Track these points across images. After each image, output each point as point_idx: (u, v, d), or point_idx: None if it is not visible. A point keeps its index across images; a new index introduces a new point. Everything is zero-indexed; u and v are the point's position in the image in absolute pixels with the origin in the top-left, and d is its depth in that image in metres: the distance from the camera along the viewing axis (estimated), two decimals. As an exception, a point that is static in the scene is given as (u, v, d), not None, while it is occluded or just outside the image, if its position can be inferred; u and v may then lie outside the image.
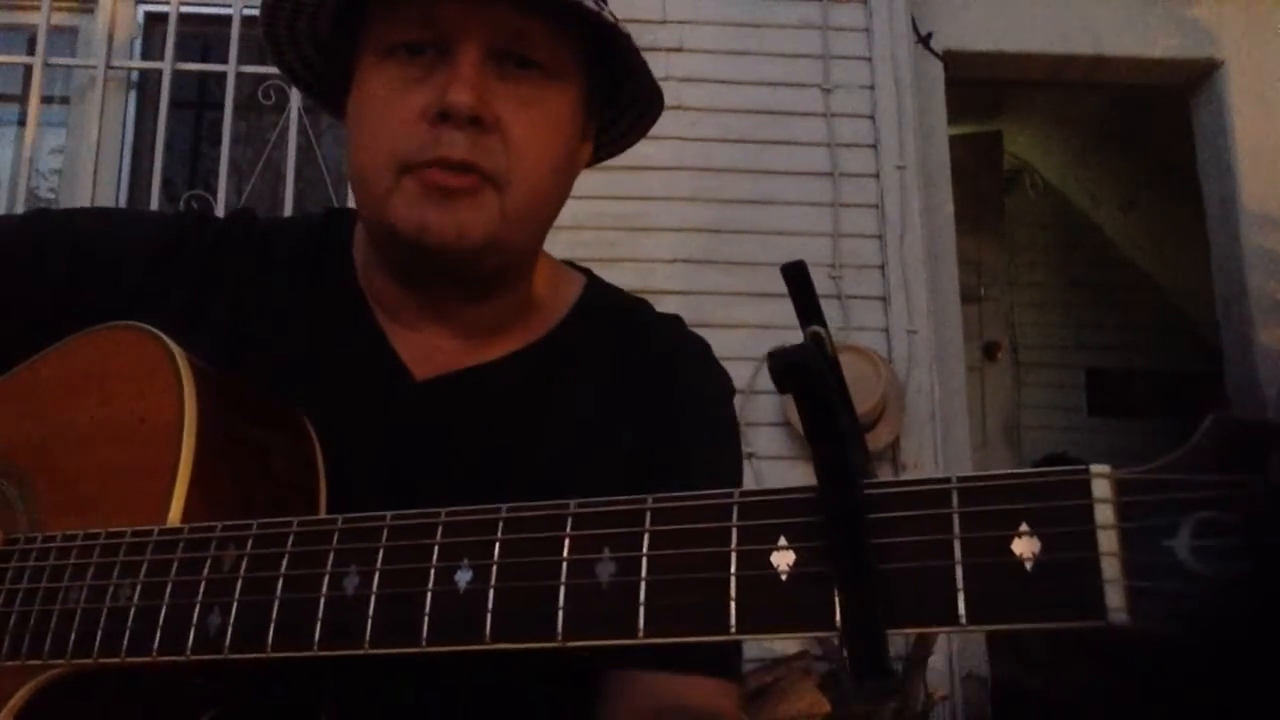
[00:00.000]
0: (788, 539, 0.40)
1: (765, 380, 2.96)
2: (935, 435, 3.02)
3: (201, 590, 0.52)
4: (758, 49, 3.27)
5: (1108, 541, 0.35)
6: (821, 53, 3.27)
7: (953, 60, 3.46)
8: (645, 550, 0.44)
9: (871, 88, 3.25)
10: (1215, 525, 0.33)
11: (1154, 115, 4.33)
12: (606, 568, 0.44)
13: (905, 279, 3.11)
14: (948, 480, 0.39)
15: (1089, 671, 3.42)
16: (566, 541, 0.45)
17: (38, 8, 3.11)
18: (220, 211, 2.92)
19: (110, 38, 3.15)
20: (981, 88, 4.17)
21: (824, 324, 0.41)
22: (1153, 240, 5.41)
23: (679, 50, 3.23)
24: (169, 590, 0.53)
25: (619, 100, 0.83)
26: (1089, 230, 5.73)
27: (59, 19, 3.21)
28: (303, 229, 0.86)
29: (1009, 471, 0.38)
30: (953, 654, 2.91)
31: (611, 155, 0.89)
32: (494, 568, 0.46)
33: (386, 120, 0.71)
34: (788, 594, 0.40)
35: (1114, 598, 0.34)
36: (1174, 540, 0.33)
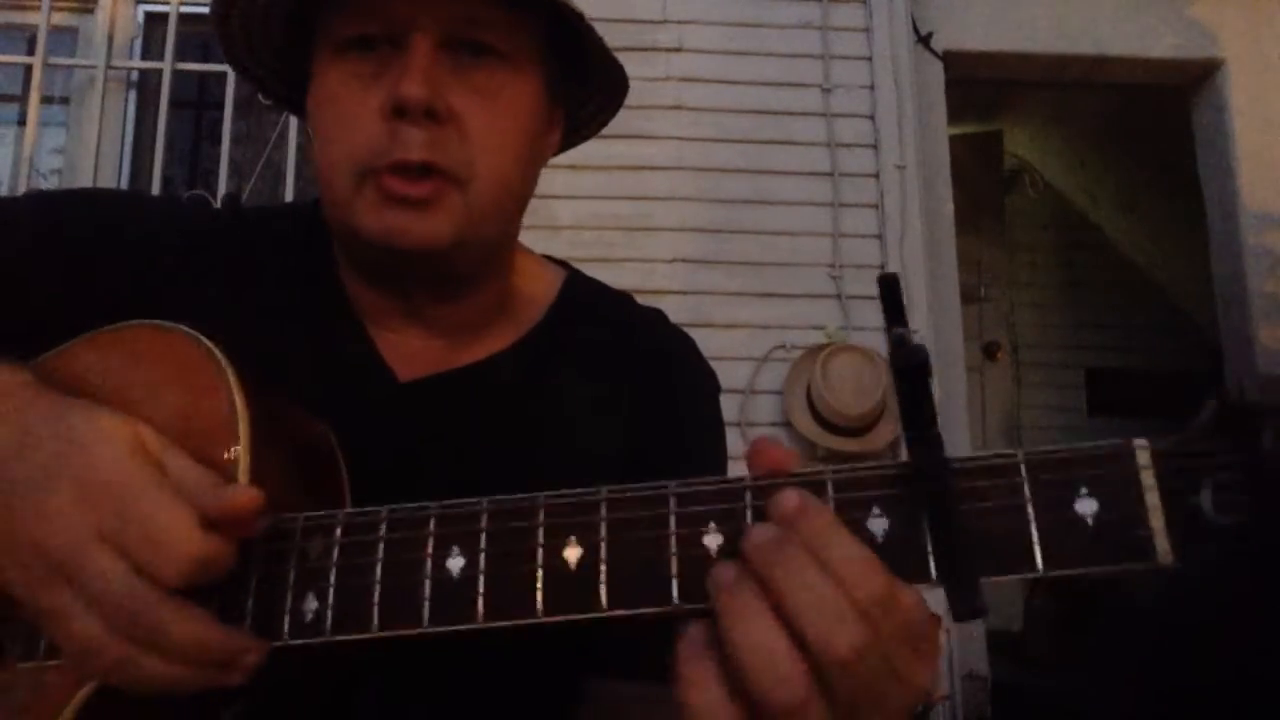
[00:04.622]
0: (880, 509, 0.46)
1: (765, 380, 2.95)
2: (935, 435, 3.01)
3: (292, 578, 0.53)
4: (758, 49, 3.27)
5: (1152, 500, 0.43)
6: (821, 53, 3.27)
7: (953, 60, 3.46)
8: (749, 522, 0.47)
9: (871, 88, 3.25)
10: (1228, 484, 0.41)
11: (1154, 115, 4.32)
12: (714, 539, 0.48)
13: (905, 279, 3.10)
14: (1014, 455, 0.45)
15: (1089, 671, 3.42)
16: (672, 519, 0.49)
17: (38, 8, 3.11)
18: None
19: (110, 38, 3.15)
20: (981, 88, 4.17)
21: (908, 328, 0.47)
22: (1153, 240, 5.41)
23: (679, 50, 3.23)
24: (254, 582, 0.53)
25: (587, 84, 0.81)
26: (1089, 230, 5.72)
27: (59, 19, 3.21)
28: (290, 223, 0.83)
29: (1067, 447, 0.45)
30: (953, 654, 2.91)
31: (584, 139, 0.87)
32: (602, 543, 0.49)
33: (343, 121, 0.70)
34: (884, 555, 0.44)
35: (1161, 545, 0.42)
36: (1198, 498, 0.42)
